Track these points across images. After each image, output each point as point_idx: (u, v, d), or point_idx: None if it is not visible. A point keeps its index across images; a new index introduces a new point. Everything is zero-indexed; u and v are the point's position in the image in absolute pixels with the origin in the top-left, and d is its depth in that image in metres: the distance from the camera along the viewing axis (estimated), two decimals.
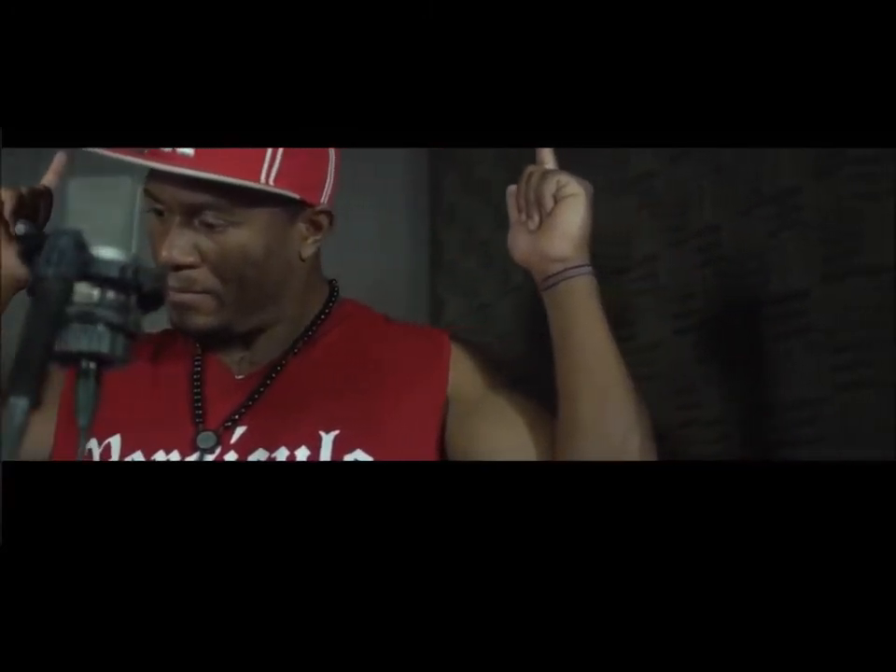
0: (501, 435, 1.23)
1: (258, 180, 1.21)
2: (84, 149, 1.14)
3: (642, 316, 2.25)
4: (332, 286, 1.41)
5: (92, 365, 0.81)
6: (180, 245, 1.23)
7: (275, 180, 1.22)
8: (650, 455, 1.17)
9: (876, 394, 1.68)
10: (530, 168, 1.25)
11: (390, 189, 3.08)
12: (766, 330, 1.90)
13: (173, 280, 1.23)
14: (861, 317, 1.73)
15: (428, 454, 1.24)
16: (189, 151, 1.15)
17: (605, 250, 2.50)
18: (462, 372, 1.29)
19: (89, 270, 0.82)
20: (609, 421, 1.16)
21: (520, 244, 1.26)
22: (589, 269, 1.22)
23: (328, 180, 1.31)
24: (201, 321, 1.26)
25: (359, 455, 1.21)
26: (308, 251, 1.31)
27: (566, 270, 1.22)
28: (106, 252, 0.83)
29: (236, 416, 1.28)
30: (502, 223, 3.06)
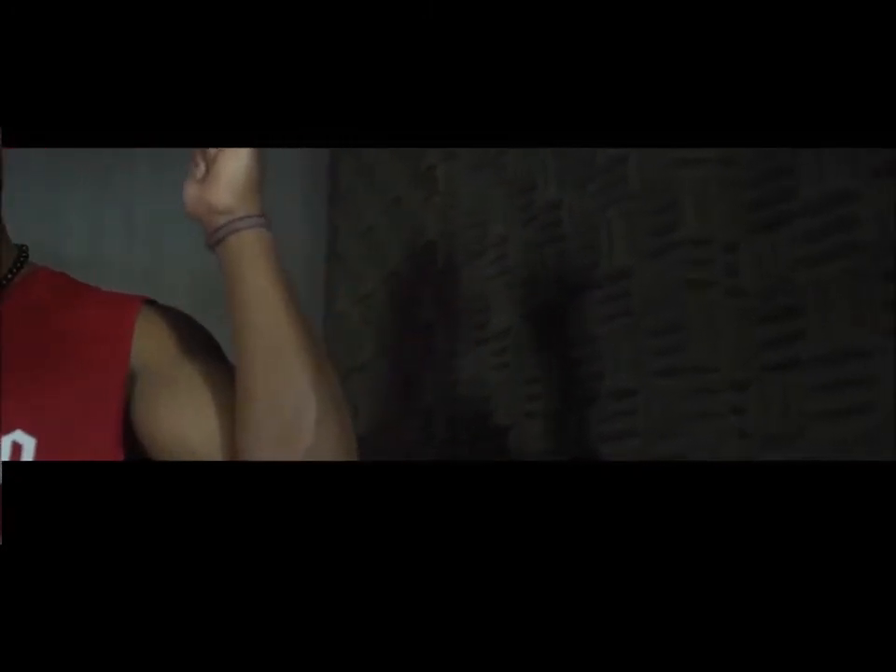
0: (185, 407, 1.11)
1: None
2: None
3: (494, 302, 2.12)
4: (21, 250, 1.27)
5: None
6: None
7: None
8: (331, 432, 1.03)
9: (690, 380, 1.54)
10: None
11: (288, 174, 2.97)
12: (594, 314, 1.77)
13: None
14: (680, 297, 1.59)
15: (106, 432, 1.11)
16: None
17: (464, 234, 2.37)
18: (149, 342, 1.16)
19: None
20: (279, 389, 1.04)
21: (189, 195, 1.13)
22: (260, 221, 1.08)
23: None
24: None
25: (19, 437, 1.09)
26: None
27: (231, 222, 1.08)
28: None
29: None
30: (388, 208, 2.95)
